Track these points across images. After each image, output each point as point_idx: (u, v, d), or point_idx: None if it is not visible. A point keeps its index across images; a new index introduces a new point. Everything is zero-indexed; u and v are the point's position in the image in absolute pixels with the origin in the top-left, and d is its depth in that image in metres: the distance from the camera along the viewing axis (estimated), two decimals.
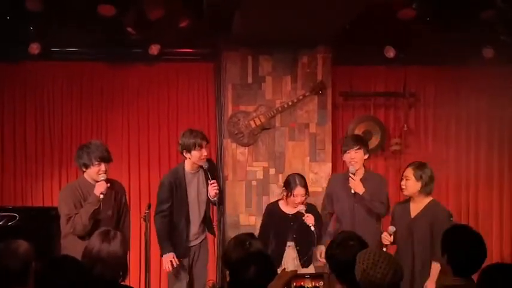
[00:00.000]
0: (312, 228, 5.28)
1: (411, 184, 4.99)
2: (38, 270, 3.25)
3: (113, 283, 3.44)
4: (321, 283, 3.71)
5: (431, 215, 4.92)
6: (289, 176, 5.59)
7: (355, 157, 5.39)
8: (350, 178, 5.35)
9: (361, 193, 5.34)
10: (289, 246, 5.44)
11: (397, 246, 5.02)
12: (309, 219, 5.31)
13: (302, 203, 5.39)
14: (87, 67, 7.06)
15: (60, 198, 5.05)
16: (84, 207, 4.89)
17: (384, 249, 4.81)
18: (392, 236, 4.96)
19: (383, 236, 5.01)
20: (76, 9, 6.07)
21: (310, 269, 5.47)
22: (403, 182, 5.03)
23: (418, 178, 4.97)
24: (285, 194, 5.48)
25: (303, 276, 3.89)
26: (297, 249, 5.43)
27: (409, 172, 5.01)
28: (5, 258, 3.42)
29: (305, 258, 5.41)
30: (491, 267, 3.13)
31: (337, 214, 5.55)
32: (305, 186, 5.44)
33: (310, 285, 3.91)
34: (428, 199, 5.02)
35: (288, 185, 5.43)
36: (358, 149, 5.40)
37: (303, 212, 5.35)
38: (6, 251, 3.46)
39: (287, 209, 5.51)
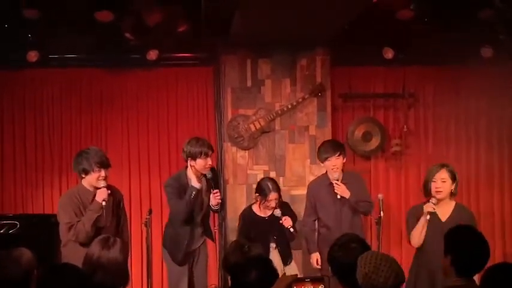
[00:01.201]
0: (291, 229, 5.40)
1: (448, 186, 4.84)
2: (39, 277, 3.24)
3: None
4: (322, 286, 3.70)
5: (462, 217, 4.77)
6: (260, 181, 5.71)
7: (336, 164, 5.44)
8: (335, 185, 5.40)
9: (347, 197, 5.40)
10: (273, 248, 5.55)
11: (428, 250, 4.80)
12: (287, 222, 5.44)
13: (275, 208, 5.51)
14: (86, 73, 7.06)
15: (59, 207, 5.00)
16: (86, 214, 4.86)
17: (428, 217, 4.73)
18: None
19: (427, 204, 4.81)
20: (74, 16, 6.06)
21: (293, 266, 5.63)
22: (438, 185, 4.82)
23: (453, 179, 4.86)
24: (258, 199, 5.58)
25: (303, 280, 3.89)
26: (278, 249, 5.54)
27: (446, 174, 4.84)
28: (8, 266, 3.42)
29: (287, 257, 5.56)
30: (495, 267, 3.12)
31: (323, 220, 5.58)
32: (278, 190, 5.57)
33: None
34: (453, 201, 4.92)
35: (262, 191, 5.55)
36: (339, 155, 5.45)
37: (279, 215, 5.47)
38: (9, 259, 3.46)
39: (262, 212, 5.64)
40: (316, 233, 5.65)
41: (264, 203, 5.53)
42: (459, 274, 3.39)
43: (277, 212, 5.49)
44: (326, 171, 5.58)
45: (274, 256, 5.50)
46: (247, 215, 5.69)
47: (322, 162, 5.54)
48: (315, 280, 3.85)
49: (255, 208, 5.67)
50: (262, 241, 5.42)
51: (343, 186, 5.39)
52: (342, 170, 5.52)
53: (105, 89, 7.10)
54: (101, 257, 3.44)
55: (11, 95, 7.02)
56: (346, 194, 5.39)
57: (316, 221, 5.67)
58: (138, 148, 7.12)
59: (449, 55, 6.90)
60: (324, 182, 5.58)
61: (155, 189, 7.01)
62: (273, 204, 5.51)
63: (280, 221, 5.44)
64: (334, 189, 5.42)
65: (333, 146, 5.53)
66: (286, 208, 5.62)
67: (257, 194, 5.62)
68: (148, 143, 7.13)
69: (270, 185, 5.56)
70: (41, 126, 7.06)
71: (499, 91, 6.99)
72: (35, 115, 7.05)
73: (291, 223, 5.43)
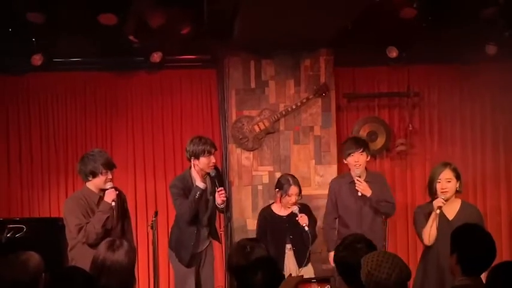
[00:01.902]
0: (306, 228, 5.33)
1: (453, 186, 4.84)
2: (47, 281, 3.25)
3: None
4: (328, 287, 3.70)
5: (469, 214, 4.78)
6: (280, 177, 5.66)
7: (359, 160, 5.40)
8: (357, 182, 5.35)
9: (369, 195, 5.34)
10: (289, 249, 5.47)
11: (435, 249, 4.78)
12: (303, 220, 5.35)
13: (295, 204, 5.42)
14: (90, 77, 7.08)
15: (66, 210, 5.00)
16: (96, 215, 4.86)
17: (438, 211, 4.73)
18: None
19: (437, 199, 4.80)
20: (77, 20, 6.07)
21: (309, 269, 5.51)
22: (443, 185, 4.81)
23: (458, 178, 4.86)
24: (278, 195, 5.51)
25: (309, 281, 3.89)
26: (293, 250, 5.45)
27: (450, 174, 4.84)
28: (15, 270, 3.42)
29: (302, 258, 5.42)
30: (500, 266, 3.10)
31: (344, 218, 5.53)
32: (298, 185, 5.49)
33: None
34: (459, 199, 4.92)
35: (281, 186, 5.47)
36: (362, 151, 5.41)
37: (297, 212, 5.39)
38: (17, 262, 3.47)
39: (281, 211, 5.55)
40: (336, 232, 5.57)
41: (284, 197, 5.44)
42: (465, 273, 3.38)
43: (295, 209, 5.41)
44: (349, 170, 5.53)
45: (289, 257, 5.44)
46: (265, 214, 5.62)
47: (345, 159, 5.50)
48: (321, 281, 3.85)
49: (274, 207, 5.61)
50: (277, 241, 5.43)
51: (364, 184, 5.36)
52: (366, 169, 5.50)
53: (109, 92, 7.12)
54: (105, 259, 3.44)
55: (16, 99, 7.04)
56: (368, 192, 5.35)
57: (337, 220, 5.61)
58: (143, 150, 7.14)
59: (453, 53, 6.89)
60: (346, 179, 5.55)
61: (161, 191, 7.02)
62: (293, 199, 5.42)
63: (297, 218, 5.36)
64: (355, 187, 5.38)
65: (357, 143, 5.51)
66: (306, 210, 5.52)
67: (277, 190, 5.53)
68: (153, 145, 7.15)
69: (290, 179, 5.49)
70: (46, 130, 7.08)
71: (504, 88, 6.97)
72: (40, 118, 7.07)
73: (306, 222, 5.34)
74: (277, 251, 5.37)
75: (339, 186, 5.60)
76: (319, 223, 5.83)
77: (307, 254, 5.44)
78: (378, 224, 5.48)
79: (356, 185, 5.37)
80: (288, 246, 5.47)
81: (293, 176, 5.60)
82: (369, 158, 5.52)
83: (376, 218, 5.46)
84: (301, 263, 5.44)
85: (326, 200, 6.52)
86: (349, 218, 5.47)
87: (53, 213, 6.96)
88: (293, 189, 5.42)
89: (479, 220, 4.73)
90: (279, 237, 5.44)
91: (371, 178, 5.48)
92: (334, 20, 5.72)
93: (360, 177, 5.38)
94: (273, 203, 5.70)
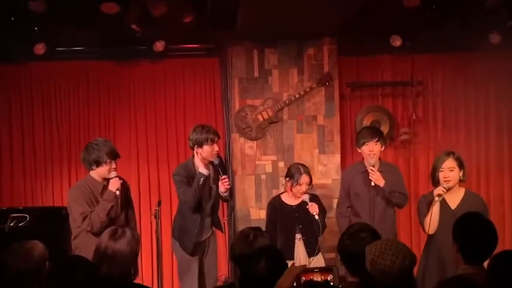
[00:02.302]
0: (316, 217, 5.30)
1: (456, 175, 4.84)
2: (49, 270, 3.25)
3: (123, 281, 3.43)
4: (331, 276, 3.69)
5: (472, 203, 4.77)
6: (291, 166, 5.63)
7: (373, 149, 5.36)
8: (370, 171, 5.32)
9: (382, 185, 5.32)
10: (298, 238, 5.44)
11: (438, 238, 4.79)
12: (313, 208, 5.33)
13: (306, 193, 5.41)
14: (93, 66, 7.07)
15: (70, 199, 5.03)
16: (101, 204, 4.89)
17: (437, 198, 4.74)
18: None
19: (437, 188, 4.82)
20: (80, 8, 6.06)
21: (319, 259, 5.49)
22: (446, 174, 4.81)
23: (461, 167, 4.85)
24: (289, 184, 5.48)
25: (312, 271, 3.88)
26: (303, 239, 5.43)
27: (453, 163, 4.84)
28: (19, 259, 3.44)
29: (312, 247, 5.40)
30: (501, 255, 3.10)
31: (356, 208, 5.50)
32: (309, 174, 5.48)
33: (320, 279, 3.91)
34: (462, 188, 4.91)
35: (292, 175, 5.44)
36: (377, 141, 5.38)
37: (307, 201, 5.37)
38: (21, 251, 3.49)
39: (290, 200, 5.53)
40: (348, 221, 5.49)
41: (295, 186, 5.41)
42: (467, 261, 3.39)
43: (305, 197, 5.38)
44: (362, 159, 5.49)
45: (299, 247, 5.42)
46: (275, 203, 5.60)
47: (360, 148, 5.44)
48: (324, 270, 3.85)
49: (284, 196, 5.59)
50: (287, 230, 5.41)
51: (378, 174, 5.31)
52: (380, 160, 5.47)
53: (112, 81, 7.11)
54: (107, 248, 3.45)
55: (18, 88, 7.05)
56: (381, 182, 5.31)
57: (349, 209, 5.58)
58: (146, 139, 7.14)
59: (457, 42, 6.86)
60: (359, 168, 5.51)
61: (164, 181, 7.03)
62: (304, 188, 5.39)
63: (307, 206, 5.35)
64: (368, 177, 5.34)
65: (372, 132, 5.48)
66: (316, 200, 5.50)
67: (287, 179, 5.50)
68: (156, 134, 7.15)
69: (301, 168, 5.47)
70: (49, 119, 7.08)
71: (508, 77, 6.94)
72: (43, 108, 7.08)
73: (317, 210, 5.31)
74: (287, 241, 5.37)
75: (352, 176, 5.56)
76: (330, 214, 5.81)
77: (317, 243, 5.42)
78: (390, 214, 5.46)
79: (369, 174, 5.32)
80: (298, 236, 5.45)
81: (304, 165, 5.57)
82: (383, 147, 5.49)
83: (388, 208, 5.44)
84: (311, 252, 5.42)
85: (329, 190, 6.55)
86: (361, 207, 5.44)
87: (56, 203, 6.98)
88: (304, 178, 5.40)
89: (483, 209, 4.72)
90: (289, 226, 5.43)
91: (384, 168, 5.44)
92: (338, 9, 5.69)
93: (373, 167, 5.34)
94: (282, 192, 5.68)
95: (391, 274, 2.72)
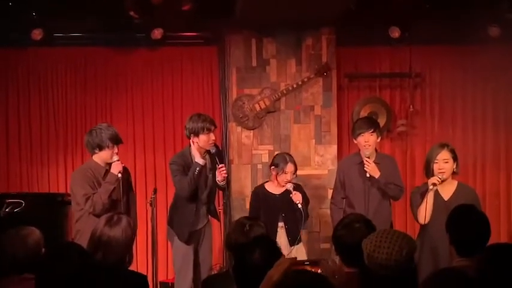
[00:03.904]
0: (299, 205, 5.34)
1: (450, 166, 4.84)
2: (42, 256, 3.25)
3: (118, 268, 3.44)
4: (320, 270, 3.71)
5: (465, 195, 4.79)
6: (276, 155, 5.69)
7: (369, 140, 5.29)
8: (365, 162, 5.28)
9: (377, 177, 5.29)
10: (280, 227, 5.47)
11: (431, 229, 4.80)
12: (296, 197, 5.37)
13: (290, 182, 5.45)
14: (90, 52, 7.04)
15: (72, 182, 5.11)
16: (103, 186, 4.98)
17: (431, 187, 4.76)
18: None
19: (432, 177, 4.82)
20: None
21: (300, 248, 5.54)
22: (441, 166, 4.82)
23: (454, 159, 4.86)
24: (274, 173, 5.52)
25: (302, 263, 3.90)
26: (285, 228, 5.46)
27: (447, 155, 4.84)
28: (15, 245, 3.43)
29: (294, 236, 5.43)
30: (493, 247, 3.10)
31: (350, 199, 5.46)
32: (294, 163, 5.52)
33: None
34: (455, 180, 4.92)
35: (278, 164, 5.49)
36: (373, 132, 5.31)
37: (291, 189, 5.41)
38: (16, 237, 3.48)
39: (274, 189, 5.57)
40: (342, 212, 5.46)
41: (280, 175, 5.45)
42: (460, 254, 3.39)
43: (289, 186, 5.42)
44: (359, 150, 5.44)
45: (281, 235, 5.44)
46: (259, 192, 5.64)
47: (355, 139, 5.37)
48: (314, 264, 3.87)
49: (268, 185, 5.62)
50: (270, 219, 5.41)
51: (373, 165, 5.26)
52: (376, 151, 5.43)
53: (109, 68, 7.08)
54: (102, 234, 3.45)
55: (15, 74, 7.01)
56: (376, 173, 5.26)
57: (344, 200, 5.55)
58: (143, 127, 7.12)
59: (456, 34, 6.86)
60: (355, 160, 5.46)
61: (160, 169, 7.02)
62: (289, 177, 5.43)
63: (291, 195, 5.38)
64: (364, 168, 5.30)
65: (368, 122, 5.41)
66: (299, 189, 5.53)
67: (272, 167, 5.53)
68: (153, 122, 7.13)
69: (286, 157, 5.53)
70: (45, 105, 7.06)
71: (506, 71, 6.94)
72: (40, 94, 7.05)
73: (300, 199, 5.35)
74: (269, 229, 5.32)
75: (348, 167, 5.52)
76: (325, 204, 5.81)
77: (299, 232, 5.46)
78: (385, 207, 5.41)
79: (364, 165, 5.29)
80: (281, 224, 5.48)
81: (289, 154, 5.64)
82: (379, 139, 5.43)
83: (383, 200, 5.39)
84: (293, 241, 5.45)
85: (325, 180, 6.55)
86: (356, 199, 5.39)
87: (51, 189, 6.98)
88: (290, 167, 5.45)
89: (476, 201, 4.74)
90: (271, 215, 5.45)
91: (380, 160, 5.39)
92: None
93: (369, 158, 5.30)
94: (266, 181, 5.71)
95: (389, 267, 2.70)
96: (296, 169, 5.53)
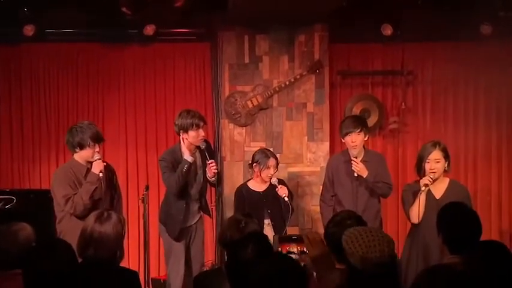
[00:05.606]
0: (286, 198, 5.35)
1: (442, 166, 4.86)
2: (31, 253, 3.24)
3: (109, 264, 3.44)
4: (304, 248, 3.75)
5: (456, 193, 4.80)
6: (256, 152, 5.65)
7: (356, 140, 5.29)
8: (353, 162, 5.28)
9: (365, 176, 5.28)
10: (267, 224, 5.48)
11: (423, 227, 4.81)
12: (282, 190, 5.38)
13: (273, 176, 5.45)
14: (82, 48, 7.02)
15: (53, 182, 5.02)
16: (84, 186, 4.87)
17: (423, 188, 4.78)
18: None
19: (424, 177, 4.83)
20: None
21: None
22: (432, 166, 4.83)
23: (446, 158, 4.87)
24: (256, 170, 5.51)
25: (289, 239, 3.96)
26: (272, 225, 5.47)
27: (439, 154, 4.85)
28: (5, 241, 3.43)
29: (280, 232, 5.40)
30: (485, 244, 3.12)
31: (339, 197, 5.47)
32: (275, 157, 5.53)
33: (296, 250, 3.99)
34: (447, 178, 4.94)
35: (260, 160, 5.49)
36: (360, 131, 5.31)
37: (276, 183, 5.41)
38: (7, 233, 3.48)
39: (257, 187, 5.58)
40: (332, 209, 5.45)
41: (264, 170, 5.45)
42: (452, 251, 3.41)
43: (274, 180, 5.43)
44: (345, 148, 5.45)
45: (268, 232, 5.40)
46: (242, 191, 5.64)
47: (343, 138, 5.37)
48: (299, 241, 3.94)
49: (250, 183, 5.63)
50: (256, 216, 5.34)
51: (361, 165, 5.26)
52: (364, 148, 5.43)
53: (102, 64, 7.06)
54: (93, 231, 3.45)
55: (7, 70, 6.99)
56: (364, 172, 5.26)
57: (333, 197, 5.54)
58: (135, 124, 7.11)
59: (448, 32, 6.87)
60: (344, 158, 5.46)
61: (152, 165, 7.00)
62: (272, 171, 5.44)
63: (276, 189, 5.38)
64: (352, 167, 5.31)
65: (355, 122, 5.39)
66: (283, 183, 5.57)
67: (254, 164, 5.52)
68: (145, 119, 7.12)
69: (267, 152, 5.55)
70: (37, 101, 7.03)
71: (498, 68, 6.96)
72: (32, 90, 7.02)
73: (286, 192, 5.37)
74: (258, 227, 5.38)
75: (336, 164, 5.52)
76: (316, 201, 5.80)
77: (285, 227, 5.46)
78: (374, 205, 5.42)
79: (352, 165, 5.29)
80: (266, 221, 5.49)
81: (268, 149, 5.68)
82: (367, 137, 5.42)
83: (372, 198, 5.40)
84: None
85: (317, 177, 6.55)
86: (344, 197, 5.40)
87: (43, 186, 6.91)
88: (272, 161, 5.46)
89: (467, 199, 4.76)
90: (257, 212, 5.41)
91: (369, 158, 5.39)
92: None
93: (356, 157, 5.29)
94: (248, 180, 5.71)
95: (384, 263, 2.71)
96: (278, 163, 5.55)
